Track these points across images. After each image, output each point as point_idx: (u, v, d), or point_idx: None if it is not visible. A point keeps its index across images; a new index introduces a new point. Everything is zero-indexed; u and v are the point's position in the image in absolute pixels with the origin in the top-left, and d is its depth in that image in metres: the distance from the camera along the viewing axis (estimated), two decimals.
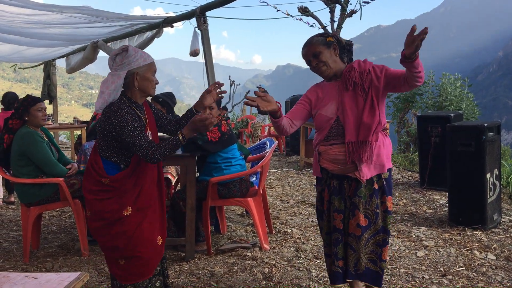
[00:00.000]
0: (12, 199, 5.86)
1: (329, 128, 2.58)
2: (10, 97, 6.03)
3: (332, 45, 2.57)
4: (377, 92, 2.52)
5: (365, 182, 2.56)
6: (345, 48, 2.63)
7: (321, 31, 6.43)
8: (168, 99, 4.70)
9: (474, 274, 3.24)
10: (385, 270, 2.71)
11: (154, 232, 2.60)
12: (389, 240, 2.64)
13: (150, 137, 2.60)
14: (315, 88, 2.71)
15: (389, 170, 2.61)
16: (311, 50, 2.61)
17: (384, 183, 2.58)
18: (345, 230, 2.61)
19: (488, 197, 4.21)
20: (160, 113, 2.83)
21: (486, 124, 4.24)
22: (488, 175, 4.23)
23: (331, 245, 2.65)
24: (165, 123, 2.84)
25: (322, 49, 2.57)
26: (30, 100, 3.83)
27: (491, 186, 4.28)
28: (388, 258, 2.63)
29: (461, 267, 3.37)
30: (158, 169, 2.69)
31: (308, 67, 2.69)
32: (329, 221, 2.67)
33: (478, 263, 3.42)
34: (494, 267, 3.35)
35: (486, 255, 3.58)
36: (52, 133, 4.80)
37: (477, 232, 4.11)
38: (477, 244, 3.83)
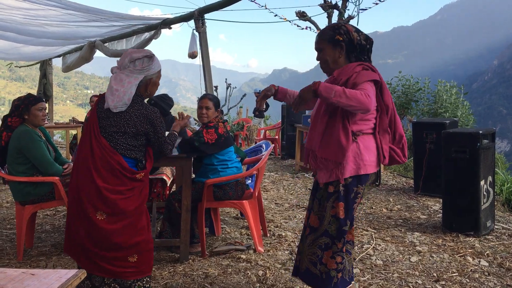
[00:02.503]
0: None
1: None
2: None
3: (338, 45, 2.47)
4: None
5: (322, 185, 2.55)
6: (356, 48, 2.48)
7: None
8: (161, 102, 4.68)
9: (467, 280, 3.26)
10: (332, 279, 2.48)
11: None
12: (338, 248, 2.50)
13: None
14: None
15: (355, 177, 2.46)
16: (317, 44, 2.56)
17: (342, 188, 2.47)
18: None
19: (482, 204, 4.24)
20: None
21: (481, 131, 4.27)
22: (482, 182, 4.26)
23: None
24: None
25: (326, 46, 2.51)
26: (32, 99, 3.80)
27: (485, 193, 4.31)
28: (336, 266, 2.48)
29: (454, 273, 3.39)
30: None
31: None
32: None
33: (471, 269, 3.44)
34: (486, 274, 3.37)
35: (479, 261, 3.61)
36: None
37: (470, 239, 4.13)
38: (470, 250, 3.85)
